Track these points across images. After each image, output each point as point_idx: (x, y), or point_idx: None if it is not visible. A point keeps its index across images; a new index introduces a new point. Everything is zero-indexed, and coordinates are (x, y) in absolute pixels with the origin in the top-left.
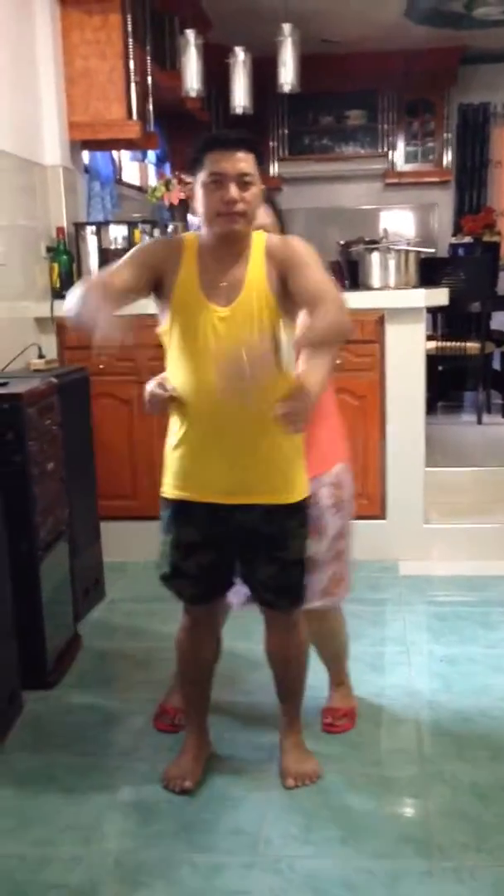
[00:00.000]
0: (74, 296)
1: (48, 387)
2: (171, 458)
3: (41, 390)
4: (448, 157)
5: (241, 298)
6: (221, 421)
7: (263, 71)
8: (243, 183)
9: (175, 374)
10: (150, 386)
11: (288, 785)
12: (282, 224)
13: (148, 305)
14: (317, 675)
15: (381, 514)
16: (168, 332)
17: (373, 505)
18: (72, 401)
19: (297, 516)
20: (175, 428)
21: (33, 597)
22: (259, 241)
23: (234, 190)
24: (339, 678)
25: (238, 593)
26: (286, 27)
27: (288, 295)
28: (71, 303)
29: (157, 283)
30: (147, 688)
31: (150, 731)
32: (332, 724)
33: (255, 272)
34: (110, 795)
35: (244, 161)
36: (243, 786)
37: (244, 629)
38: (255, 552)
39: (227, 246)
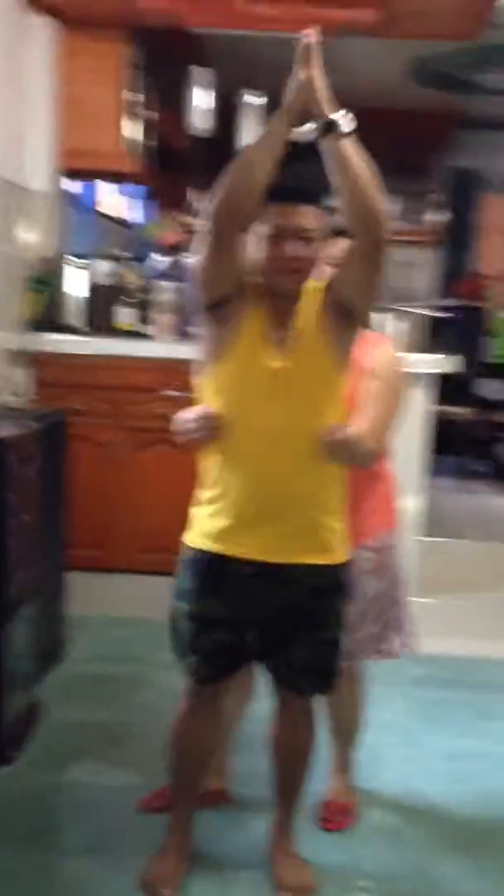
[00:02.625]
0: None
1: (30, 433)
2: (210, 509)
3: (23, 438)
4: (434, 219)
5: (298, 351)
6: (272, 472)
7: (265, 116)
8: (305, 238)
9: (227, 419)
10: (194, 412)
11: None
12: None
13: (135, 347)
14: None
15: None
16: (221, 374)
17: None
18: (49, 445)
19: (340, 593)
20: (215, 476)
21: None
22: (310, 291)
23: (292, 247)
24: (345, 760)
25: None
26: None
27: (347, 326)
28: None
29: (229, 297)
30: (118, 769)
31: (124, 824)
32: (332, 821)
33: (312, 321)
34: None
35: (307, 216)
36: None
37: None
38: (292, 632)
39: (287, 300)
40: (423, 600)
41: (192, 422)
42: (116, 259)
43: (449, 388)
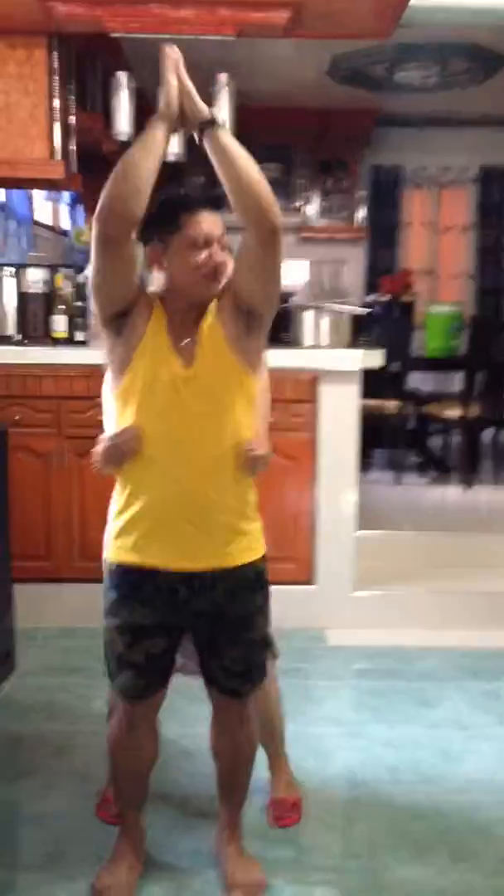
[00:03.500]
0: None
1: None
2: (125, 521)
3: None
4: (360, 216)
5: (202, 358)
6: (185, 479)
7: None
8: (223, 245)
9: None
10: (107, 440)
11: None
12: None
13: (72, 355)
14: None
15: (309, 580)
16: (127, 385)
17: (301, 570)
18: None
19: (261, 591)
20: (128, 489)
21: None
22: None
23: (218, 254)
24: (278, 758)
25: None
26: (222, 77)
27: (250, 327)
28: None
29: (128, 309)
30: (67, 780)
31: (77, 835)
32: (281, 818)
33: (213, 327)
34: None
35: (220, 223)
36: None
37: (176, 712)
38: (219, 635)
39: (197, 308)
40: (361, 593)
41: (111, 440)
42: (49, 267)
43: (381, 383)
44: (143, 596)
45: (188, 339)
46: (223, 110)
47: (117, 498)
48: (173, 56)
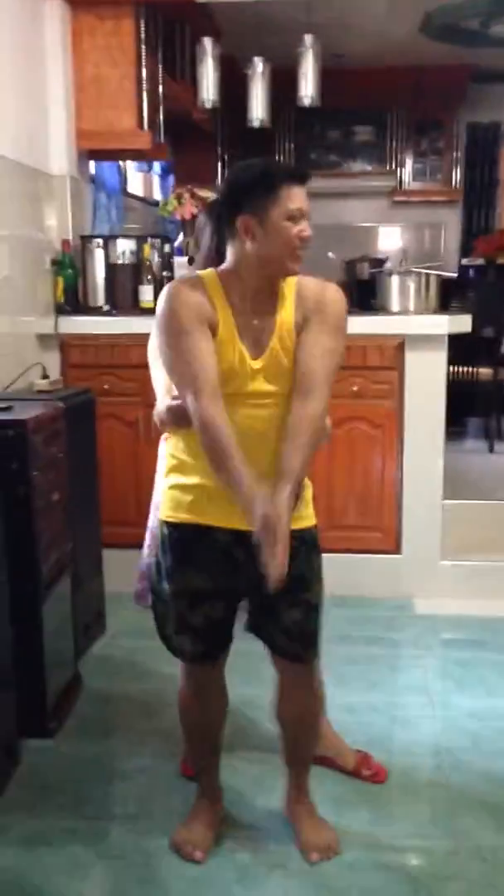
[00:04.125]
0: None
1: (55, 412)
2: (181, 480)
3: (48, 416)
4: (457, 177)
5: (273, 347)
6: (243, 441)
7: (271, 82)
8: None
9: None
10: (165, 403)
11: (312, 860)
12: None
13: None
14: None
15: (395, 549)
16: None
17: (387, 539)
18: (77, 424)
19: (317, 553)
20: (186, 448)
21: (34, 638)
22: (291, 283)
23: (309, 229)
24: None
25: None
26: (308, 38)
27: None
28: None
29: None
30: (154, 739)
31: (160, 792)
32: (375, 774)
33: (286, 317)
34: (116, 870)
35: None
36: (263, 861)
37: (253, 672)
38: (279, 596)
39: (271, 287)
40: (449, 562)
41: (166, 412)
42: (137, 238)
43: (475, 349)
44: (198, 560)
45: (257, 322)
46: (308, 72)
47: (170, 457)
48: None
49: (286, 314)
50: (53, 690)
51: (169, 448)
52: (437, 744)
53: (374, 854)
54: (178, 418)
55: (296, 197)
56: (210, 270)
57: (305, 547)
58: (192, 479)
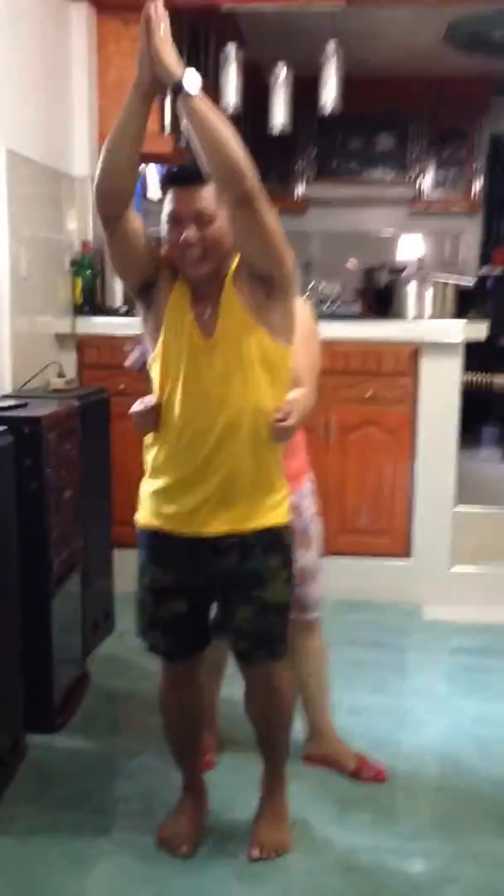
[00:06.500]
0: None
1: (69, 410)
2: (149, 485)
3: (62, 414)
4: (477, 187)
5: (222, 329)
6: (202, 446)
7: (294, 90)
8: (203, 222)
9: (166, 398)
10: (135, 406)
11: (253, 856)
12: None
13: None
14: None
15: (405, 554)
16: (156, 355)
17: (398, 543)
18: (91, 423)
19: (277, 553)
20: (152, 453)
21: (43, 633)
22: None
23: (188, 233)
24: (324, 716)
25: None
26: (331, 45)
27: (270, 292)
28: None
29: (149, 279)
30: (159, 737)
31: (163, 790)
32: (374, 773)
33: (230, 297)
34: (118, 865)
35: (204, 198)
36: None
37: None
38: (232, 594)
39: (211, 281)
40: (459, 568)
41: (133, 412)
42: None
43: (492, 357)
44: (163, 558)
45: (209, 310)
46: (330, 79)
47: (146, 464)
48: (146, 14)
49: (226, 293)
50: (60, 687)
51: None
52: (442, 748)
53: (374, 856)
54: (141, 423)
55: (172, 200)
56: None
57: (261, 546)
58: (156, 485)
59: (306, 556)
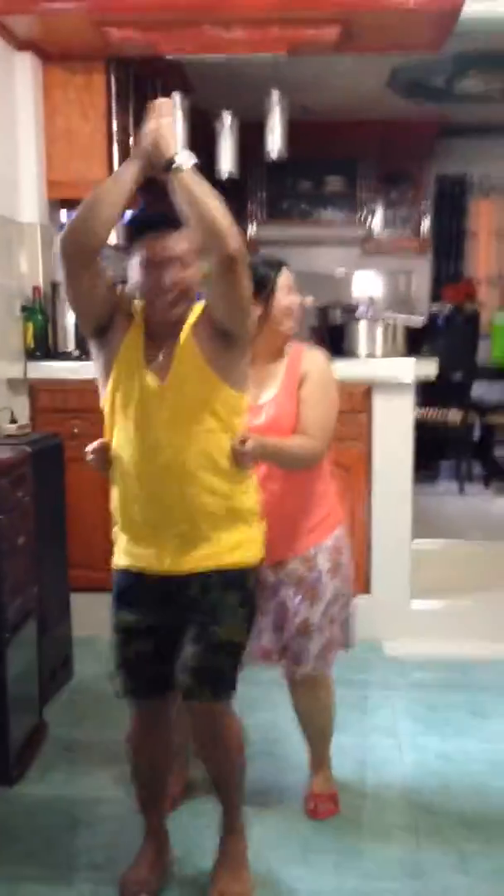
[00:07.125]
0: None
1: (21, 456)
2: (117, 527)
3: (14, 461)
4: (425, 227)
5: (176, 374)
6: (156, 488)
7: (243, 135)
8: (179, 264)
9: (117, 440)
10: (88, 447)
11: None
12: (261, 292)
13: None
14: (300, 755)
15: (364, 590)
16: (108, 396)
17: (356, 580)
18: (44, 468)
19: (236, 590)
20: (114, 496)
21: None
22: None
23: (165, 276)
24: (321, 760)
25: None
26: (275, 94)
27: (228, 345)
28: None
29: (105, 323)
30: (119, 787)
31: (125, 841)
32: (316, 810)
33: (189, 343)
34: None
35: (178, 241)
36: None
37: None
38: (188, 627)
39: (172, 324)
40: (419, 603)
41: (89, 453)
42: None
43: (445, 393)
44: (131, 597)
45: (162, 355)
46: (275, 127)
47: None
48: (158, 104)
49: (184, 339)
50: (17, 737)
51: None
52: (406, 785)
53: (342, 892)
54: (93, 462)
55: (148, 245)
56: (140, 303)
57: (221, 583)
58: (121, 525)
59: (311, 609)
